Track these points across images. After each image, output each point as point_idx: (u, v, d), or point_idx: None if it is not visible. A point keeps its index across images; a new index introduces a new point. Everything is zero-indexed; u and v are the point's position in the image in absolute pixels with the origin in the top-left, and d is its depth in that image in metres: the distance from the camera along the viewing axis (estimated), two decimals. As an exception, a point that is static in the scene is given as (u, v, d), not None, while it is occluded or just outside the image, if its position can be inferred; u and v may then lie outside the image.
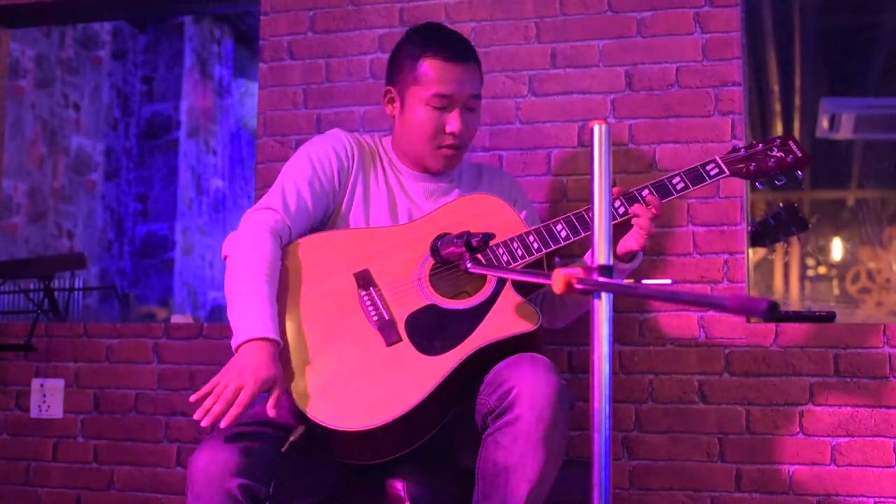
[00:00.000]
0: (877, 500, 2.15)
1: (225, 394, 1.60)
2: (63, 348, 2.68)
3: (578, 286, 1.09)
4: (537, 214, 2.15)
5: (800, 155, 1.89)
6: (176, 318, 2.84)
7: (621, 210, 1.82)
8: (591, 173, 1.15)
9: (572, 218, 1.82)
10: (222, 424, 1.58)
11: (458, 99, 1.89)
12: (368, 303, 1.75)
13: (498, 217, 1.86)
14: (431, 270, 1.80)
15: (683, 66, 2.37)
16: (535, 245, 1.79)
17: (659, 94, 2.37)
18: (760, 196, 4.38)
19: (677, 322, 2.29)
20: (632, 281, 2.02)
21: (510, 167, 2.42)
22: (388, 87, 1.97)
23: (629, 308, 2.32)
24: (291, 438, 1.62)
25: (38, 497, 2.65)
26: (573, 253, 2.20)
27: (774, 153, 1.89)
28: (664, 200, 1.83)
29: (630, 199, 1.83)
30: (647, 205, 1.81)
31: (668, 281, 2.31)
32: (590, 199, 1.16)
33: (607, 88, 2.40)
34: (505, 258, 1.79)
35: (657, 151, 2.36)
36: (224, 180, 7.09)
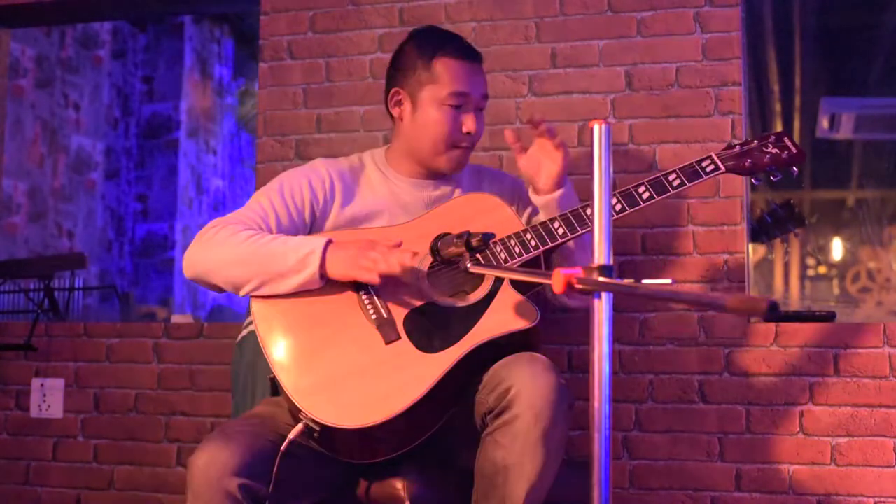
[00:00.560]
0: (877, 499, 2.15)
1: (384, 257, 1.68)
2: (63, 348, 2.68)
3: (578, 286, 1.09)
4: None
5: (795, 151, 1.89)
6: (176, 318, 2.85)
7: (618, 207, 1.82)
8: (591, 173, 1.15)
9: (569, 215, 1.82)
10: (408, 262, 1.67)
11: (473, 98, 1.90)
12: (367, 302, 1.75)
13: (495, 215, 1.86)
14: (430, 269, 1.80)
15: (683, 65, 2.37)
16: (533, 243, 1.80)
17: (659, 94, 2.37)
18: (760, 196, 4.39)
19: (677, 322, 2.29)
20: (631, 281, 2.02)
21: (510, 167, 2.42)
22: (395, 89, 1.94)
23: (629, 308, 2.32)
24: (291, 437, 1.62)
25: (38, 497, 2.65)
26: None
27: (770, 149, 1.89)
28: (661, 197, 1.83)
29: (626, 195, 1.83)
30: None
31: (668, 281, 2.31)
32: (590, 199, 1.16)
33: (607, 88, 2.40)
34: (503, 256, 1.79)
35: (657, 151, 2.36)
36: (224, 180, 7.10)
